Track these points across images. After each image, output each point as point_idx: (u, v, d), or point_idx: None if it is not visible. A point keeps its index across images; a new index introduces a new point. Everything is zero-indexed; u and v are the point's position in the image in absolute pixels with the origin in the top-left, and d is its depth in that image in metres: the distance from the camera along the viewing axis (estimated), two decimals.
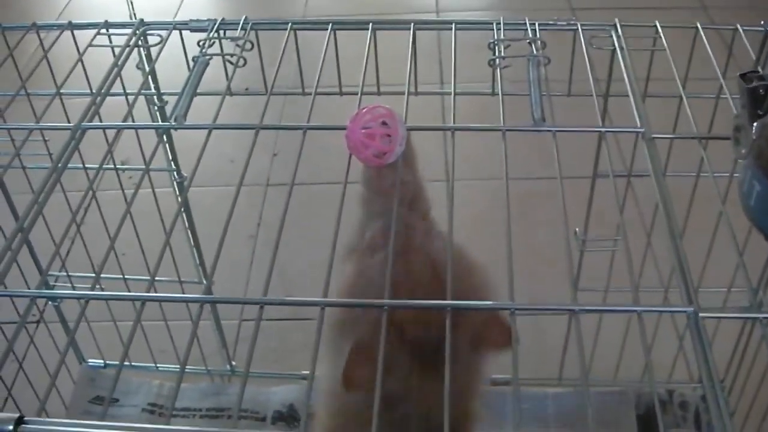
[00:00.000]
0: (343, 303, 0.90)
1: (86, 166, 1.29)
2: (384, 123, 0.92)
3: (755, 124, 0.81)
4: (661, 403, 1.55)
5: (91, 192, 1.23)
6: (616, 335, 1.49)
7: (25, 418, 0.69)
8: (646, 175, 0.95)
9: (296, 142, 0.97)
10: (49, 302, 1.57)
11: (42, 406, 0.75)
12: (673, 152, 1.17)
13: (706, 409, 1.54)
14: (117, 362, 1.68)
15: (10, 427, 0.68)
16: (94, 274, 0.86)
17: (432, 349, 0.89)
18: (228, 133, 1.07)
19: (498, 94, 1.05)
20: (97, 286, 1.47)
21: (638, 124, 0.97)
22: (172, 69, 1.30)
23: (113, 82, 1.12)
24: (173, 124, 1.00)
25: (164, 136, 1.36)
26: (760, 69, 1.07)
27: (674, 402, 1.55)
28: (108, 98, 1.13)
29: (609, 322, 1.49)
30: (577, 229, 1.36)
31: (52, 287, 1.54)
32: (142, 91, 1.23)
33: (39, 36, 1.26)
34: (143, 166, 1.01)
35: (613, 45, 1.14)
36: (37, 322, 1.60)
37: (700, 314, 0.76)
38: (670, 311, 0.78)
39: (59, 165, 0.99)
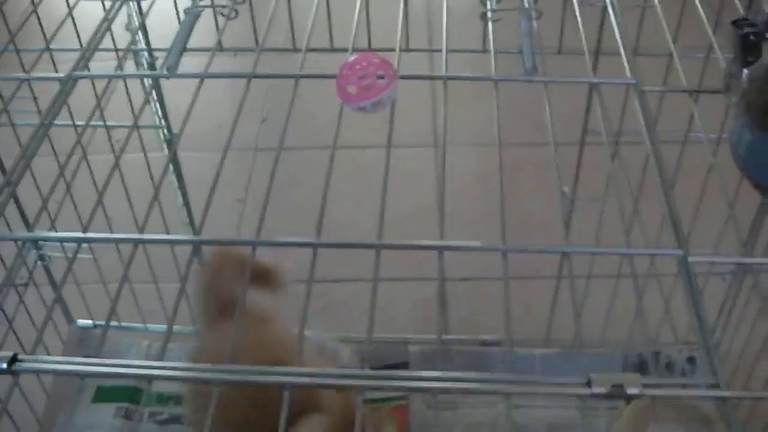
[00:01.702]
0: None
1: (75, 121, 1.28)
2: (377, 71, 0.92)
3: (745, 71, 0.82)
4: (646, 365, 1.56)
5: (79, 147, 1.23)
6: (602, 299, 1.50)
7: (19, 356, 0.69)
8: (636, 135, 0.95)
9: (285, 107, 0.96)
10: (39, 262, 1.56)
11: (33, 349, 0.75)
12: (663, 112, 1.18)
13: (692, 371, 1.55)
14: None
15: (4, 366, 0.69)
16: (82, 234, 0.85)
17: None
18: (218, 98, 1.07)
19: (490, 51, 1.05)
20: (85, 246, 1.50)
21: (629, 76, 0.98)
22: (165, 26, 1.30)
23: (103, 36, 1.12)
24: (165, 73, 0.99)
25: (153, 92, 1.35)
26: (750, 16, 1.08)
27: (660, 363, 1.56)
28: (98, 57, 1.13)
29: (595, 286, 1.51)
30: (565, 188, 1.36)
31: (41, 247, 1.54)
32: (133, 47, 1.22)
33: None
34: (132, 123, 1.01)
35: (605, 2, 1.14)
36: (26, 284, 1.60)
37: (690, 258, 0.76)
38: (660, 253, 0.79)
39: (48, 116, 0.98)
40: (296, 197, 1.92)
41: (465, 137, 2.15)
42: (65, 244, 1.51)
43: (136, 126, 1.01)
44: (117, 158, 0.96)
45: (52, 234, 1.07)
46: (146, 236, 0.80)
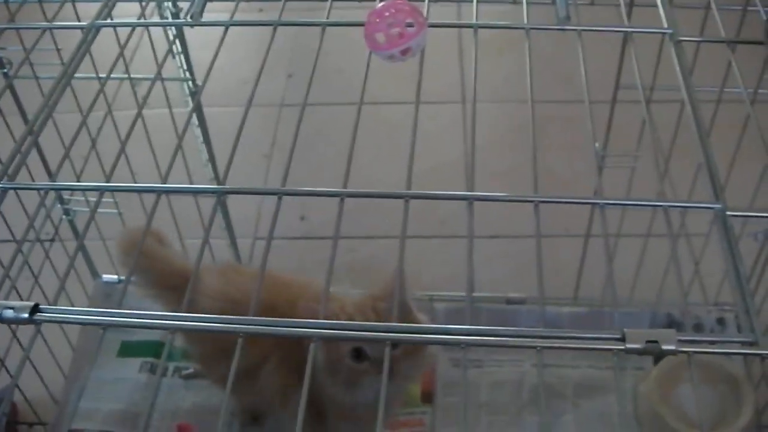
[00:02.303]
0: None
1: (98, 73, 1.26)
2: (406, 19, 0.90)
3: None
4: (675, 325, 1.54)
5: (103, 99, 1.22)
6: (631, 259, 1.48)
7: (41, 306, 0.68)
8: (671, 89, 0.93)
9: (311, 63, 0.94)
10: (64, 216, 1.56)
11: (55, 299, 0.74)
12: (698, 67, 1.15)
13: (722, 332, 1.53)
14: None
15: (26, 315, 0.68)
16: (104, 183, 0.84)
17: None
18: (244, 54, 1.04)
19: (521, 2, 1.02)
20: (110, 200, 1.49)
21: (665, 26, 0.95)
22: None
23: None
24: (189, 21, 0.97)
25: (177, 43, 1.33)
26: None
27: (689, 324, 1.54)
28: (124, 9, 1.11)
29: (624, 245, 1.49)
30: (597, 144, 1.34)
31: (66, 202, 1.53)
32: None
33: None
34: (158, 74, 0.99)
35: None
36: (52, 239, 1.59)
37: (728, 212, 0.74)
38: (697, 206, 0.76)
39: (70, 66, 0.97)
40: (323, 152, 1.90)
41: (490, 93, 2.12)
42: (89, 198, 1.51)
43: (159, 78, 0.99)
44: (140, 109, 0.94)
45: (73, 184, 1.06)
46: (168, 186, 0.79)
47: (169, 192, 0.79)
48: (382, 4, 0.92)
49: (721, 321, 1.53)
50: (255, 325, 0.65)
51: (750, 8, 1.07)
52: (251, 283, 1.22)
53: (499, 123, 2.08)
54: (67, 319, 0.68)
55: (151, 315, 0.67)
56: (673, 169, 1.31)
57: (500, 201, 0.76)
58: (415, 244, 1.73)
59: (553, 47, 0.98)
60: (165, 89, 1.33)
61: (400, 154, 0.83)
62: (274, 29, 0.94)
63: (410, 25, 0.90)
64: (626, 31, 0.95)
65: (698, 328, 1.53)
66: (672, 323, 1.54)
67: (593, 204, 0.74)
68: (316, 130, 2.08)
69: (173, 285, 1.28)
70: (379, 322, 1.05)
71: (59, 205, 1.53)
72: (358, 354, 1.06)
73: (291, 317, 0.93)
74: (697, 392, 1.19)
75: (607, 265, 0.72)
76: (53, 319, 0.68)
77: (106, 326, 0.67)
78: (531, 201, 0.75)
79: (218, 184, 0.82)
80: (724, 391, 1.35)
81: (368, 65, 0.91)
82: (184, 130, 0.90)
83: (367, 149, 1.95)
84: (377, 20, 0.90)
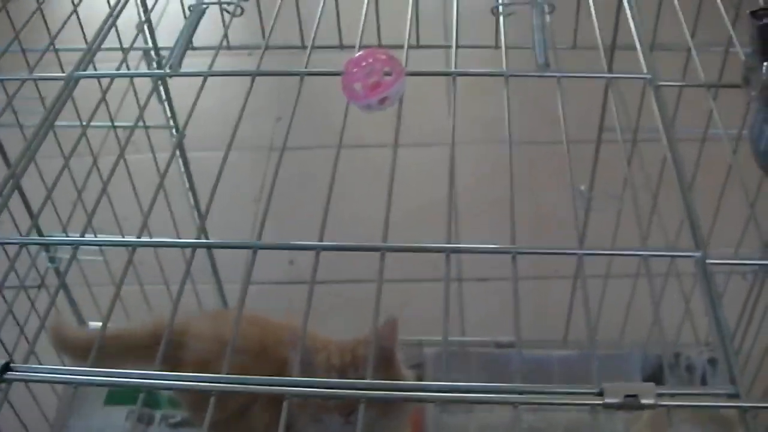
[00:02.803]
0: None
1: (82, 120, 1.26)
2: (384, 68, 0.89)
3: (765, 63, 0.79)
4: (667, 367, 1.53)
5: (87, 145, 1.22)
6: (621, 299, 1.47)
7: (12, 365, 0.67)
8: (654, 131, 0.92)
9: (299, 107, 0.94)
10: (49, 265, 1.54)
11: (30, 350, 0.73)
12: (682, 108, 1.15)
13: (713, 373, 1.52)
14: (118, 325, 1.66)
15: None
16: (93, 237, 0.83)
17: None
18: (231, 98, 1.04)
19: (501, 47, 1.02)
20: (95, 248, 1.48)
21: (645, 71, 0.94)
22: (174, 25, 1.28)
23: (107, 33, 1.10)
24: (167, 71, 0.97)
25: (160, 89, 1.33)
26: None
27: (680, 365, 1.53)
28: (106, 55, 1.11)
29: (614, 286, 1.48)
30: (582, 187, 1.33)
31: (54, 250, 1.52)
32: (136, 46, 1.20)
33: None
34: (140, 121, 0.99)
35: None
36: (39, 286, 1.58)
37: (708, 260, 0.73)
38: (678, 255, 0.76)
39: (50, 115, 0.97)
40: (312, 196, 1.89)
41: (480, 133, 2.12)
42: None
43: (140, 125, 0.99)
44: (121, 153, 0.94)
45: (39, 238, 1.05)
46: (140, 240, 0.78)
47: (141, 246, 0.78)
48: (359, 53, 0.91)
49: (712, 361, 1.52)
50: (227, 383, 0.64)
51: (732, 49, 1.06)
52: (241, 324, 1.21)
53: (490, 163, 2.07)
54: (38, 378, 0.67)
55: (122, 373, 0.66)
56: (664, 199, 1.30)
57: (479, 253, 0.75)
58: (403, 286, 1.72)
59: (539, 87, 0.97)
60: (149, 136, 1.33)
61: (396, 195, 0.82)
62: (252, 79, 0.94)
63: (388, 74, 0.89)
64: (606, 77, 0.95)
65: (690, 369, 1.52)
66: (662, 365, 1.53)
67: (573, 254, 0.73)
68: (304, 172, 2.07)
69: (148, 345, 1.25)
70: (354, 366, 1.06)
71: (44, 253, 1.52)
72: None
73: (280, 357, 0.93)
74: None
75: (586, 321, 0.71)
76: (24, 378, 0.67)
77: (77, 385, 0.66)
78: (509, 252, 0.74)
79: (204, 232, 0.82)
80: None
81: (346, 112, 0.91)
82: (163, 176, 0.90)
83: (356, 191, 1.95)
84: (354, 70, 0.90)
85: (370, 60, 0.90)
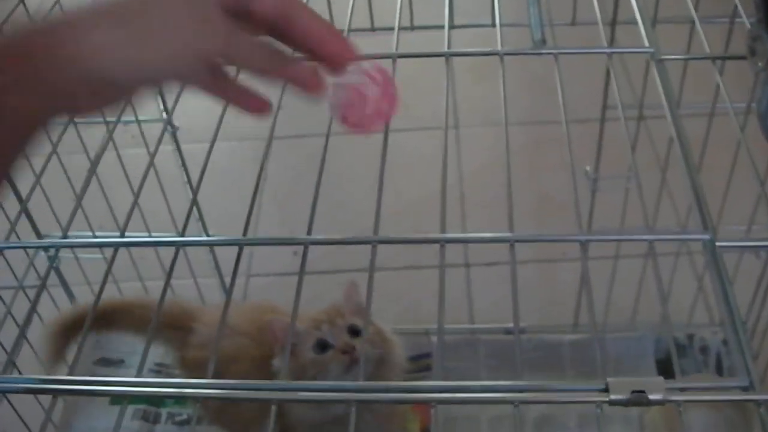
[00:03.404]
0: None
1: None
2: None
3: None
4: (680, 348, 1.49)
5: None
6: (632, 279, 1.43)
7: None
8: (659, 108, 0.88)
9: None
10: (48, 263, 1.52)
11: (10, 358, 0.70)
12: (688, 82, 1.11)
13: (728, 353, 1.48)
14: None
15: None
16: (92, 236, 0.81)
17: None
18: None
19: (497, 26, 0.98)
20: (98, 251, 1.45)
21: (647, 45, 0.90)
22: None
23: None
24: None
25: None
26: None
27: (694, 346, 1.49)
28: None
29: (625, 266, 1.44)
30: (587, 168, 1.29)
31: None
32: None
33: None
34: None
35: None
36: (41, 286, 1.55)
37: (717, 243, 0.69)
38: (685, 239, 0.72)
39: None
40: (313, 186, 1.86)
41: (483, 116, 2.08)
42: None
43: (133, 120, 0.96)
44: (109, 133, 0.91)
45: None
46: (127, 239, 0.75)
47: (128, 246, 0.76)
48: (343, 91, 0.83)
49: (726, 342, 1.49)
50: (212, 389, 0.61)
51: (737, 19, 1.02)
52: (250, 312, 1.29)
53: (493, 145, 2.04)
54: (15, 388, 0.64)
55: (101, 381, 0.63)
56: (673, 176, 1.26)
57: (472, 242, 0.71)
58: (411, 273, 1.68)
59: (540, 66, 0.94)
60: (142, 132, 1.30)
61: (393, 180, 0.79)
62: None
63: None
64: (606, 52, 0.91)
65: (704, 350, 1.49)
66: (677, 347, 1.49)
67: (575, 241, 0.69)
68: (307, 161, 2.04)
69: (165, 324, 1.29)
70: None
71: (42, 253, 1.49)
72: (323, 345, 1.11)
73: None
74: (704, 420, 1.14)
75: (588, 309, 0.68)
76: (2, 389, 0.64)
77: (55, 394, 0.63)
78: (506, 241, 0.70)
79: (204, 230, 0.79)
80: (732, 416, 1.30)
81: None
82: (147, 169, 0.87)
83: (356, 179, 1.92)
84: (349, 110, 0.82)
85: (353, 95, 0.81)
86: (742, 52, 0.90)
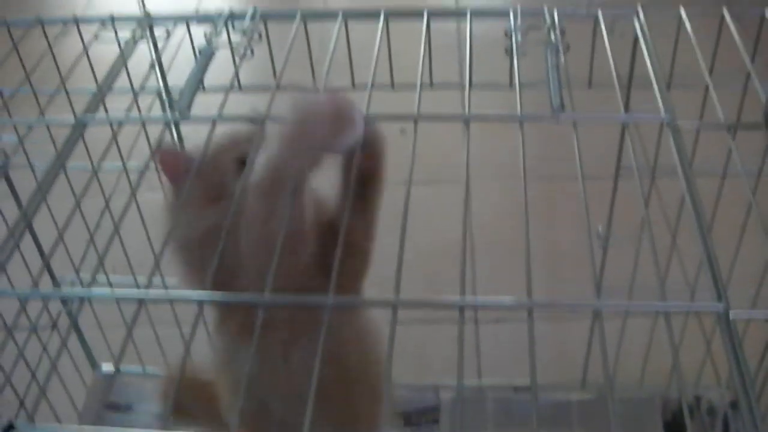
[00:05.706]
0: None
1: (92, 160, 1.25)
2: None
3: None
4: (688, 410, 1.49)
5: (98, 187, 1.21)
6: (641, 339, 1.43)
7: (15, 423, 0.65)
8: (672, 172, 0.90)
9: None
10: (62, 307, 1.53)
11: (30, 413, 0.71)
12: (699, 147, 1.12)
13: (735, 416, 1.48)
14: (130, 368, 1.65)
15: None
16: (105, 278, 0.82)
17: None
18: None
19: (515, 88, 1.00)
20: (109, 290, 1.46)
21: (662, 113, 0.92)
22: (185, 65, 1.27)
23: (116, 76, 1.09)
24: (177, 116, 0.96)
25: (172, 130, 1.32)
26: None
27: (702, 408, 1.49)
28: (118, 95, 1.11)
29: (634, 325, 1.44)
30: (600, 227, 1.31)
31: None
32: (149, 86, 1.20)
33: (44, 30, 1.22)
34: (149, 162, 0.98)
35: (635, 33, 1.09)
36: (52, 326, 1.56)
37: (731, 312, 0.70)
38: (699, 309, 0.73)
39: (59, 159, 0.97)
40: None
41: (496, 171, 2.10)
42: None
43: (148, 169, 0.98)
44: (134, 189, 0.93)
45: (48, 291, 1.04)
46: (150, 292, 0.76)
47: (151, 302, 0.77)
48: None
49: (735, 405, 1.48)
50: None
51: (750, 86, 1.04)
52: None
53: (508, 200, 2.05)
54: None
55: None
56: (684, 239, 1.27)
57: (492, 308, 0.72)
58: (422, 328, 1.68)
59: (558, 126, 0.96)
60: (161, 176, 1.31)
61: (414, 234, 0.80)
62: (262, 124, 0.93)
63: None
64: (622, 121, 0.93)
65: (711, 412, 1.49)
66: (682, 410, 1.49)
67: (589, 307, 0.70)
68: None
69: None
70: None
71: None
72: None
73: None
74: None
75: (604, 369, 0.68)
76: None
77: None
78: (524, 307, 0.71)
79: None
80: None
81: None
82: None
83: (384, 228, 1.94)
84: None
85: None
86: (755, 119, 0.92)
